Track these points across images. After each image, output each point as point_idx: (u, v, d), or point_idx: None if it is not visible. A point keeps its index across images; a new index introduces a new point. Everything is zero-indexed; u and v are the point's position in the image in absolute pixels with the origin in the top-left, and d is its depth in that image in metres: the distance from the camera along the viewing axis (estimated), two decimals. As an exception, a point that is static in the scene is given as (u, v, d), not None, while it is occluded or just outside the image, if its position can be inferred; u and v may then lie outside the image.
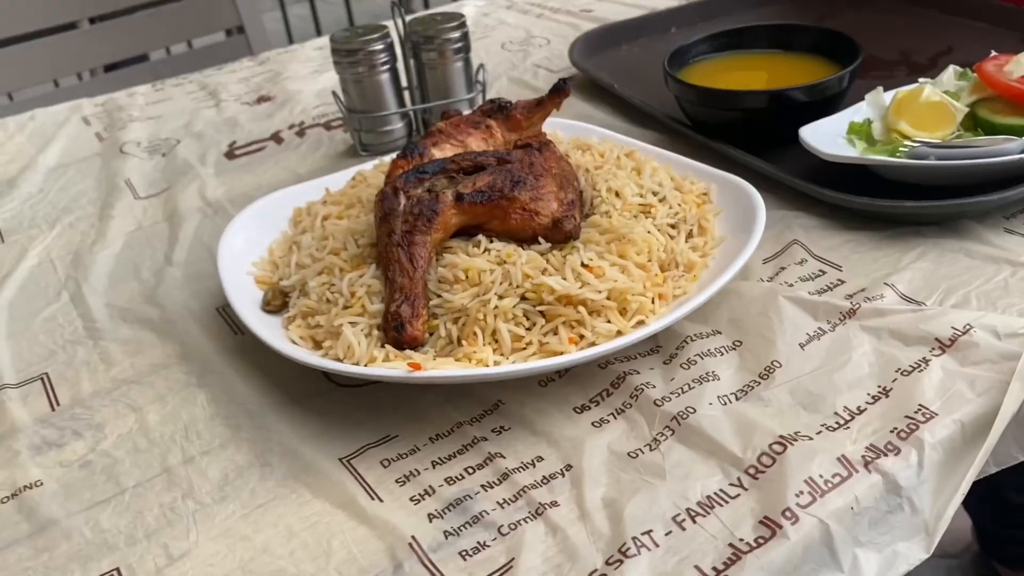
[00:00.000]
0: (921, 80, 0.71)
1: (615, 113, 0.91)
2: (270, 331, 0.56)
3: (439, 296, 0.54)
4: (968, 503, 1.51)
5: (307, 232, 0.64)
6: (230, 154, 0.94)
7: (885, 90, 0.70)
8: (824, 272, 0.60)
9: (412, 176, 0.58)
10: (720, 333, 0.55)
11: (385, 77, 0.86)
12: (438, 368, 0.49)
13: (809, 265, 0.61)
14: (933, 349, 0.51)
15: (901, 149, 0.66)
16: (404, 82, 0.90)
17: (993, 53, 0.71)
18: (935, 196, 0.62)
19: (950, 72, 0.71)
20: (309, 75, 1.15)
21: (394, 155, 0.65)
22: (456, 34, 0.86)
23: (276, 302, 0.59)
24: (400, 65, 0.88)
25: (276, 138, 0.97)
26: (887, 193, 0.63)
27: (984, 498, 1.47)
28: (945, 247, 0.61)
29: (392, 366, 0.50)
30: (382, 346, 0.52)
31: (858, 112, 0.70)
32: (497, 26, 1.29)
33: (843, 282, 0.59)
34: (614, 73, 0.96)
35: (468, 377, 0.49)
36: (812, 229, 0.65)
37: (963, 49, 0.90)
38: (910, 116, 0.67)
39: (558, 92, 0.68)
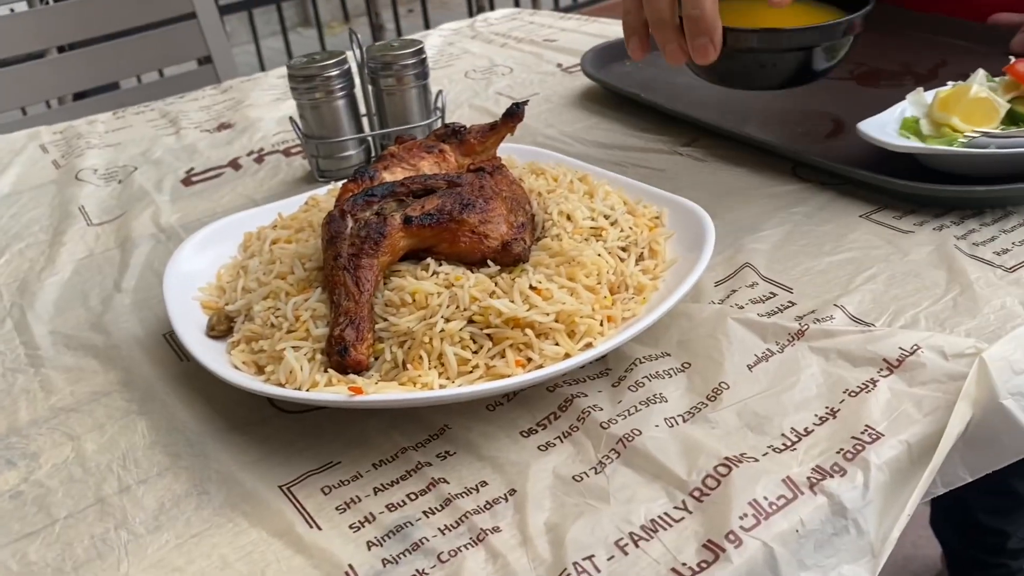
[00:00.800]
0: (964, 81, 0.75)
1: (629, 122, 0.94)
2: (213, 356, 0.55)
3: (385, 319, 0.53)
4: (938, 527, 1.51)
5: (255, 256, 0.63)
6: (187, 181, 0.93)
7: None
8: (775, 294, 0.60)
9: (360, 199, 0.58)
10: (669, 355, 0.55)
11: (342, 103, 0.86)
12: (380, 392, 0.48)
13: (760, 287, 0.61)
14: (881, 370, 0.51)
15: (961, 140, 0.69)
16: (363, 108, 0.90)
17: (980, 71, 0.75)
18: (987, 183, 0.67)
19: (981, 75, 0.75)
20: (271, 103, 1.15)
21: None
22: (413, 60, 0.86)
23: (221, 327, 0.58)
24: (358, 92, 0.88)
25: (234, 164, 0.96)
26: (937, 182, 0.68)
27: (955, 521, 1.47)
28: (895, 269, 0.62)
29: (333, 390, 0.49)
30: (325, 371, 0.51)
31: (898, 112, 0.75)
32: (461, 55, 1.30)
33: (793, 304, 0.59)
34: (624, 85, 0.98)
35: (410, 401, 0.48)
36: (764, 252, 0.65)
37: (956, 63, 0.94)
38: (959, 111, 0.71)
39: (511, 117, 0.68)
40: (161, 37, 1.68)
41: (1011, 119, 0.72)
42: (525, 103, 0.69)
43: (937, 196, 0.68)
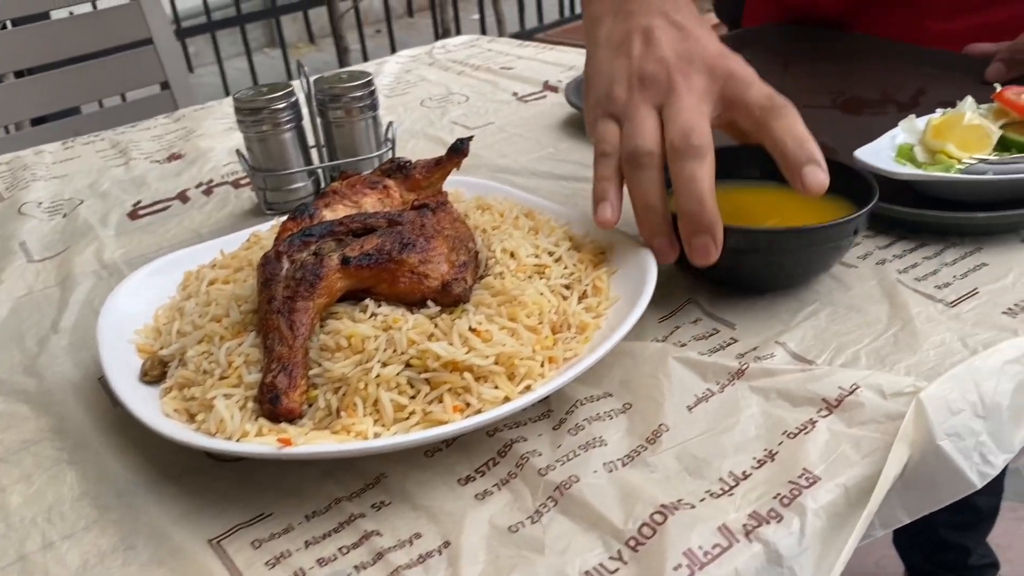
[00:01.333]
0: (947, 108, 0.76)
1: (585, 152, 0.94)
2: (145, 403, 0.53)
3: (320, 364, 0.52)
4: (902, 546, 1.52)
5: (192, 298, 0.62)
6: (133, 214, 0.92)
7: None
8: (717, 331, 0.60)
9: (297, 239, 0.57)
10: (611, 395, 0.54)
11: (289, 136, 0.85)
12: (311, 442, 0.47)
13: (703, 324, 0.61)
14: (820, 410, 0.51)
15: (958, 167, 0.70)
16: (311, 140, 0.89)
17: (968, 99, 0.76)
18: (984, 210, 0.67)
19: (970, 102, 0.76)
20: (223, 132, 1.14)
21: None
22: (362, 92, 0.85)
23: (155, 372, 0.57)
24: (307, 124, 0.87)
25: (182, 197, 0.95)
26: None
27: (919, 538, 1.48)
28: (838, 304, 0.62)
29: (262, 441, 0.47)
30: (257, 419, 0.50)
31: (890, 139, 0.75)
32: (418, 83, 1.29)
33: (735, 341, 0.59)
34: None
35: (340, 452, 0.47)
36: (709, 288, 0.65)
37: (935, 91, 0.95)
38: (954, 138, 0.72)
39: (456, 152, 0.67)
40: (118, 63, 1.66)
41: (1003, 145, 0.73)
42: (470, 139, 0.69)
43: (941, 223, 0.68)
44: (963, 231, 0.68)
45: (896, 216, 0.69)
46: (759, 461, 0.48)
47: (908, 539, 1.50)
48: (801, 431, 0.50)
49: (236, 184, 0.96)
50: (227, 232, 0.80)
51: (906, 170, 0.71)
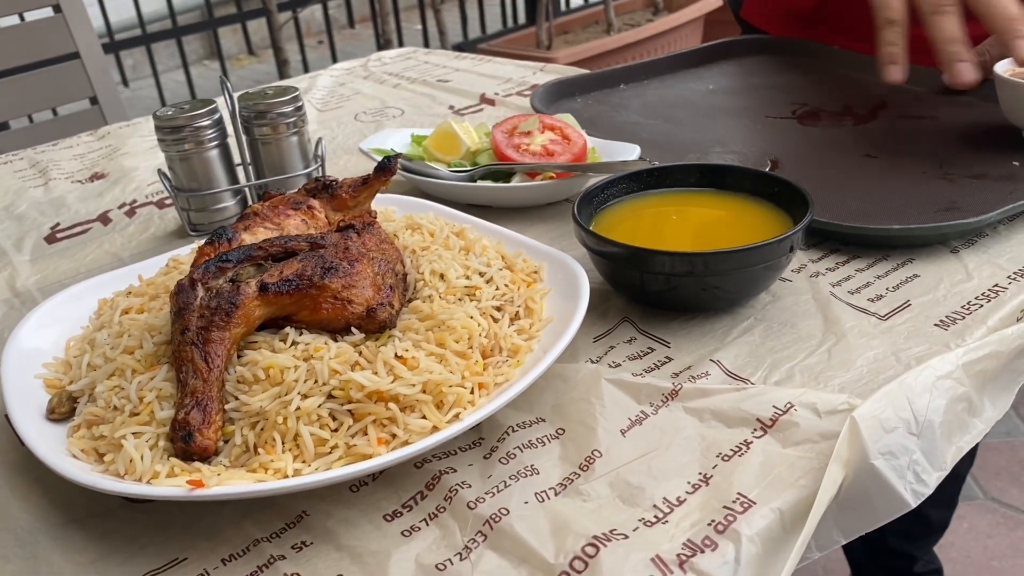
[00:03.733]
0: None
1: None
2: (51, 443, 0.50)
3: (236, 398, 0.49)
4: (848, 546, 1.53)
5: (104, 328, 0.59)
6: (51, 237, 0.88)
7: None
8: (652, 349, 0.59)
9: (212, 265, 0.54)
10: (544, 420, 0.53)
11: (214, 154, 0.82)
12: (225, 482, 0.45)
13: (637, 343, 0.60)
14: (755, 430, 0.50)
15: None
16: (237, 158, 0.86)
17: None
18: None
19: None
20: (148, 150, 1.10)
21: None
22: (289, 108, 0.83)
23: (63, 409, 0.54)
24: (232, 141, 0.84)
25: (103, 218, 0.91)
26: None
27: (866, 539, 1.49)
28: (773, 319, 0.61)
29: (172, 483, 0.45)
30: (170, 458, 0.47)
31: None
32: (352, 96, 1.27)
33: (670, 359, 0.58)
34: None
35: (253, 492, 0.44)
36: (644, 305, 0.64)
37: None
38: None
39: (384, 170, 0.65)
40: (45, 77, 1.60)
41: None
42: (398, 156, 0.67)
43: (862, 235, 0.68)
44: (892, 244, 0.68)
45: (827, 228, 0.69)
46: (693, 486, 0.47)
47: (856, 542, 1.52)
48: (735, 453, 0.49)
49: (160, 204, 0.93)
50: (150, 255, 0.77)
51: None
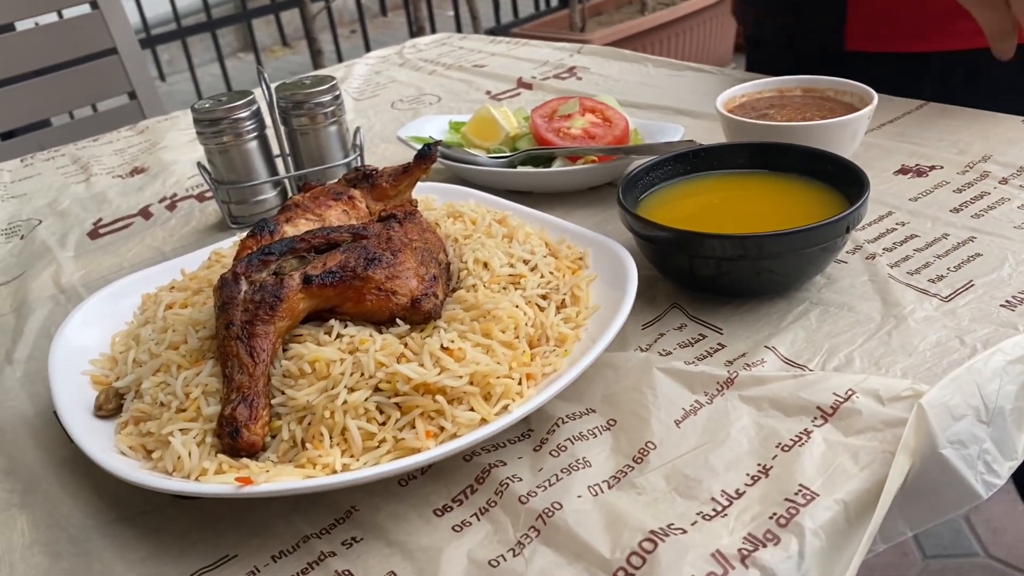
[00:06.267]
0: None
1: None
2: (99, 440, 0.50)
3: (283, 393, 0.49)
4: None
5: (149, 323, 0.58)
6: (94, 233, 0.88)
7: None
8: (704, 336, 0.57)
9: (255, 259, 0.53)
10: (594, 411, 0.52)
11: (253, 145, 0.81)
12: (273, 479, 0.44)
13: (688, 330, 0.58)
14: (815, 419, 0.48)
15: None
16: (276, 150, 0.85)
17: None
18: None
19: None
20: (187, 143, 1.10)
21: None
22: (326, 98, 0.82)
23: (110, 406, 0.53)
24: (271, 132, 0.84)
25: (144, 213, 0.91)
26: None
27: None
28: (829, 303, 0.59)
29: (221, 480, 0.44)
30: (218, 454, 0.47)
31: None
32: (388, 84, 1.26)
33: (723, 346, 0.56)
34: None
35: (302, 489, 0.44)
36: (693, 291, 0.62)
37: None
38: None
39: (424, 158, 0.64)
40: (84, 74, 1.62)
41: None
42: (438, 143, 0.66)
43: None
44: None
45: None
46: (752, 478, 0.45)
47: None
48: (796, 443, 0.47)
49: (201, 198, 0.93)
50: (191, 249, 0.77)
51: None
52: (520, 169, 0.79)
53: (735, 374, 0.52)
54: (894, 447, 0.45)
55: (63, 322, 0.61)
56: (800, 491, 0.44)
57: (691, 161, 0.68)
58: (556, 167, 0.79)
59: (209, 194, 0.93)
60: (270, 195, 0.84)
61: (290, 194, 0.87)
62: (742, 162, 0.67)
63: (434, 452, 0.45)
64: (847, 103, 0.78)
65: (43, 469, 0.54)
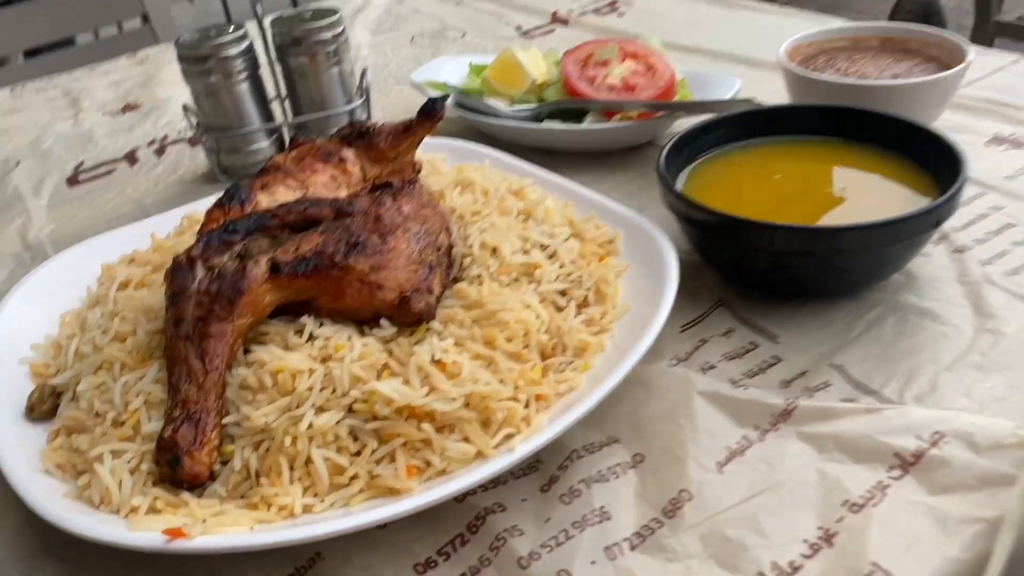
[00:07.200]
0: None
1: None
2: (25, 455, 0.42)
3: (238, 409, 0.40)
4: None
5: (99, 305, 0.50)
6: (72, 179, 0.80)
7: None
8: (755, 345, 0.47)
9: (215, 239, 0.44)
10: (617, 442, 0.42)
11: (244, 87, 0.72)
12: (212, 530, 0.36)
13: (737, 336, 0.48)
14: (892, 468, 0.39)
15: None
16: (272, 92, 0.76)
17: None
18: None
19: None
20: (185, 78, 1.00)
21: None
22: (328, 35, 0.72)
23: (44, 407, 0.45)
24: (266, 73, 0.74)
25: (130, 157, 0.82)
26: None
27: None
28: (907, 308, 0.49)
29: (150, 526, 0.36)
30: (155, 483, 0.39)
31: None
32: (410, 15, 1.14)
33: (778, 360, 0.46)
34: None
35: (245, 547, 0.35)
36: (744, 287, 0.52)
37: None
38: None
39: (428, 116, 0.54)
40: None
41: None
42: (445, 98, 0.55)
43: None
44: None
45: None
46: (812, 547, 0.36)
47: None
48: (868, 501, 0.37)
49: (193, 142, 0.84)
50: (174, 204, 0.68)
51: None
52: (546, 124, 0.69)
53: (793, 404, 0.42)
54: (994, 514, 0.35)
55: (7, 294, 0.53)
56: (873, 571, 0.34)
57: (748, 124, 0.57)
58: (588, 124, 0.68)
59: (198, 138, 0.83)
60: (264, 143, 0.75)
61: (287, 143, 0.77)
62: (810, 128, 0.56)
63: (416, 500, 0.37)
64: (933, 56, 0.66)
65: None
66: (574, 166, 0.64)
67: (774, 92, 0.68)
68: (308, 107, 0.75)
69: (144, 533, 0.35)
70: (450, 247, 0.50)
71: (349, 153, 0.55)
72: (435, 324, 0.44)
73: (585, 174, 0.62)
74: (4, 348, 0.49)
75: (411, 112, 0.54)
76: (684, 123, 0.67)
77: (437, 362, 0.41)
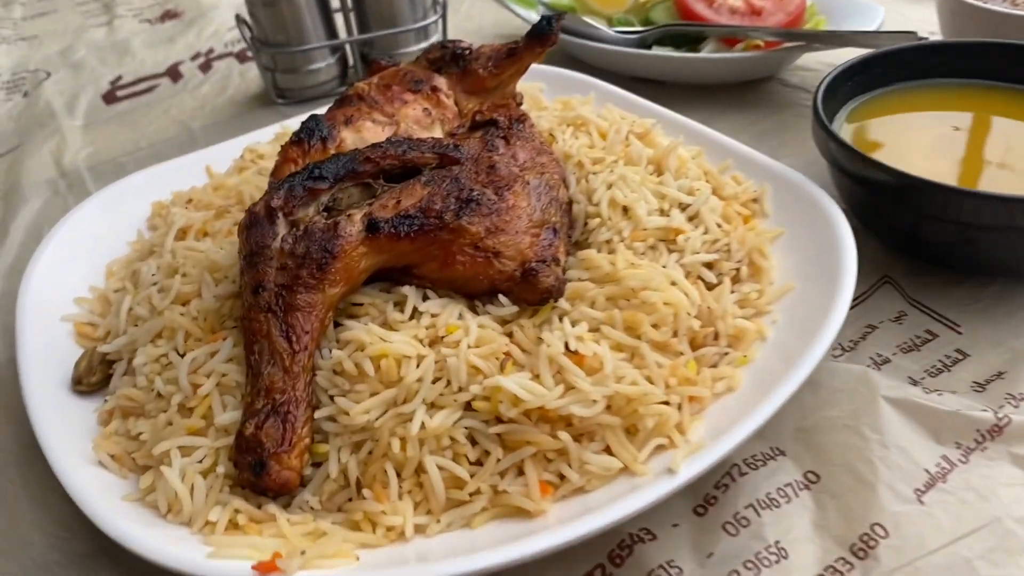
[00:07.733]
0: None
1: None
2: (73, 441, 0.35)
3: (332, 401, 0.33)
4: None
5: (154, 255, 0.43)
6: (110, 95, 0.71)
7: None
8: (934, 335, 0.40)
9: (299, 185, 0.36)
10: (783, 454, 0.35)
11: (305, -2, 0.63)
12: (313, 563, 0.29)
13: (910, 323, 0.40)
14: None
15: None
16: (336, 3, 0.67)
17: None
18: None
19: None
20: (231, -17, 0.90)
21: (323, 110, 0.43)
22: (403, -63, 0.62)
23: (93, 379, 0.38)
24: (330, -21, 0.65)
25: (173, 72, 0.74)
26: None
27: None
28: (1116, 295, 0.40)
29: (234, 549, 0.29)
30: (232, 489, 0.32)
31: None
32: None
33: (965, 355, 0.39)
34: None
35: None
36: (913, 259, 0.44)
37: None
38: None
39: (539, 38, 0.45)
40: None
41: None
42: (562, 15, 0.47)
43: None
44: None
45: None
46: (1048, 610, 0.29)
47: None
48: (1111, 551, 0.30)
49: (243, 57, 0.75)
50: (225, 129, 0.61)
51: None
52: (655, 51, 0.60)
53: (1006, 419, 0.34)
54: None
55: (46, 237, 0.45)
56: None
57: (916, 63, 0.48)
58: (706, 52, 0.59)
59: (252, 54, 0.75)
60: (325, 62, 0.66)
61: (352, 64, 0.68)
62: (997, 69, 0.47)
63: (560, 535, 0.29)
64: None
65: (7, 455, 0.39)
66: (683, 102, 0.55)
67: (924, 22, 0.58)
68: (376, 23, 0.66)
69: (228, 562, 0.29)
70: (569, 203, 0.42)
71: (442, 81, 0.46)
72: (562, 302, 0.36)
73: (694, 111, 0.53)
74: (44, 302, 0.42)
75: (489, 34, 0.45)
76: (813, 57, 0.58)
77: (572, 353, 0.33)
